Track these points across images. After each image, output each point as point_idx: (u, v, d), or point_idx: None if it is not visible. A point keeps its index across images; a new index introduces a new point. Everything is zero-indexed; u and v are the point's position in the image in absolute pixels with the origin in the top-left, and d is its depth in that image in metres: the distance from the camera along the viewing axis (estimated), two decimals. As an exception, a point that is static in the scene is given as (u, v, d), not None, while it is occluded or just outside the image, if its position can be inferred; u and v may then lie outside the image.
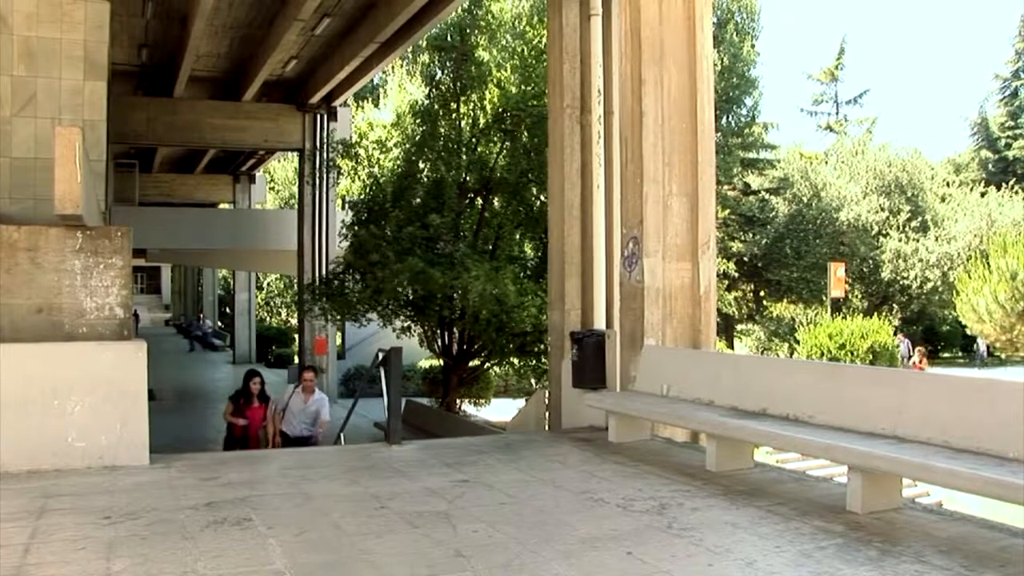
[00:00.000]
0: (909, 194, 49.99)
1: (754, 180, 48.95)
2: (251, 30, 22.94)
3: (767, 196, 48.57)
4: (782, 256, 47.13)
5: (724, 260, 42.93)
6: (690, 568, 5.34)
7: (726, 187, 44.84)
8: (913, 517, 6.43)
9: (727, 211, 44.84)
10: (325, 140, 27.91)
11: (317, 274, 27.28)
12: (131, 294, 8.73)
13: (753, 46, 45.01)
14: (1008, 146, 67.27)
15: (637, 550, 5.63)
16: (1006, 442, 5.85)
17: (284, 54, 23.76)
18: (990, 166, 66.35)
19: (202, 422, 23.21)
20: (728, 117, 45.02)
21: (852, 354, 32.96)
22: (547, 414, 13.69)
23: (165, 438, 13.51)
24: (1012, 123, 68.09)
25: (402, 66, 27.45)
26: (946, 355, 52.55)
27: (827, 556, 5.51)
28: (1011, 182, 56.50)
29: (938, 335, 52.03)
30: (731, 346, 47.59)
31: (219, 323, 55.54)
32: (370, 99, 34.68)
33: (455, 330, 22.37)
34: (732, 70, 43.43)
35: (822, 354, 33.11)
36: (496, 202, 22.18)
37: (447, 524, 6.24)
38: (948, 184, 54.90)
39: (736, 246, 46.84)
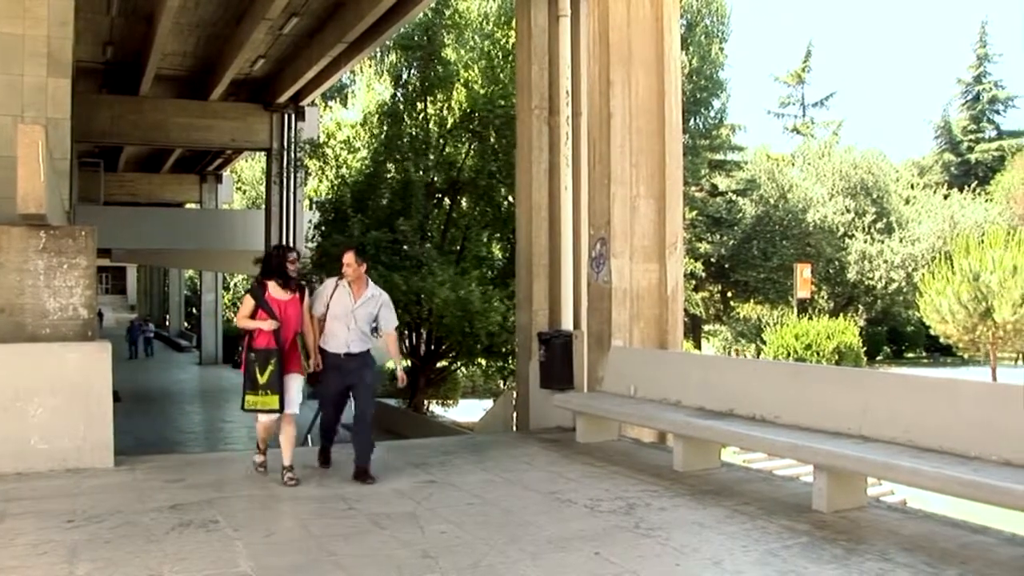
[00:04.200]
0: (874, 196, 50.47)
1: (721, 181, 49.20)
2: (218, 29, 22.78)
3: (734, 197, 48.82)
4: (749, 257, 47.39)
5: (691, 261, 43.10)
6: (657, 568, 5.36)
7: (694, 188, 45.02)
8: (878, 516, 6.48)
9: (694, 212, 45.05)
10: (293, 140, 27.78)
11: (285, 275, 27.13)
12: (95, 294, 8.64)
13: (722, 49, 45.21)
14: (970, 149, 68.20)
15: (604, 550, 5.64)
16: (969, 441, 5.91)
17: (252, 53, 23.61)
18: (953, 169, 67.16)
19: (168, 423, 23.01)
20: (696, 119, 45.20)
21: (818, 354, 33.20)
22: (515, 415, 13.70)
23: (130, 440, 13.41)
24: (974, 127, 69.05)
25: (370, 66, 27.36)
26: (910, 355, 53.02)
27: (793, 555, 5.54)
28: (973, 184, 57.31)
29: (902, 335, 52.50)
30: (698, 347, 47.81)
31: (185, 324, 55.06)
32: (338, 99, 34.53)
33: (422, 331, 22.33)
34: (700, 72, 43.62)
35: (788, 354, 33.33)
36: (464, 203, 22.17)
37: (414, 525, 6.22)
38: (912, 186, 55.51)
39: (703, 247, 47.05)
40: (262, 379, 7.41)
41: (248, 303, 7.68)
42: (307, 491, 7.39)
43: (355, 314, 7.88)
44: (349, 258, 7.95)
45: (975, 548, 5.67)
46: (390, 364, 30.44)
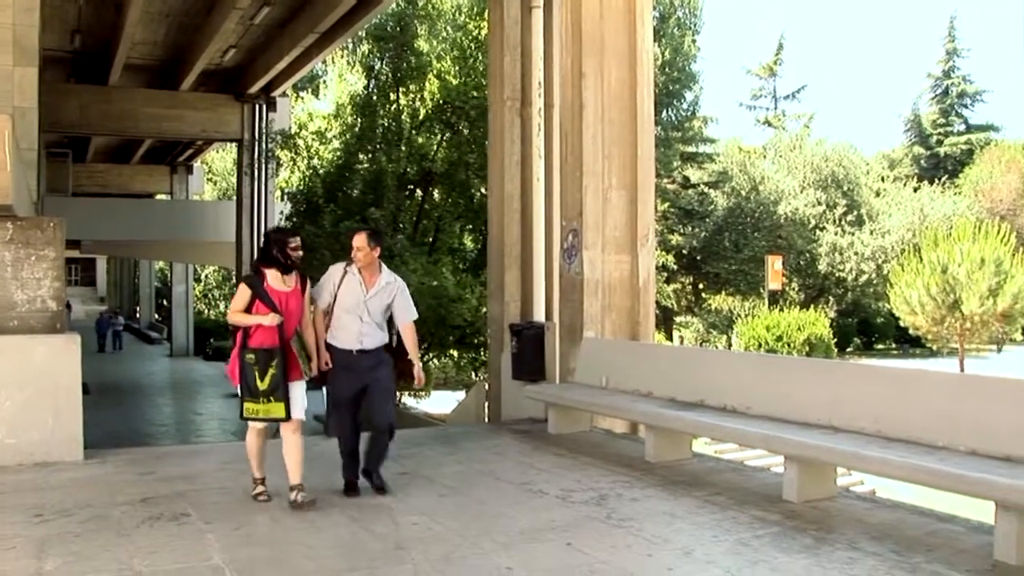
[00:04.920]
0: (845, 188, 50.82)
1: (693, 173, 49.30)
2: (188, 18, 22.60)
3: (706, 189, 48.97)
4: (721, 249, 47.57)
5: (663, 253, 43.20)
6: (629, 558, 5.38)
7: (666, 180, 45.09)
8: (847, 505, 6.53)
9: (666, 204, 45.13)
10: (264, 131, 27.63)
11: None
12: (64, 286, 8.55)
13: (694, 41, 45.22)
14: (940, 143, 68.84)
15: (576, 541, 5.65)
16: (936, 431, 5.96)
17: (222, 43, 23.44)
18: (922, 162, 67.75)
19: (139, 416, 22.88)
20: (668, 111, 45.22)
21: (789, 346, 33.43)
22: (487, 406, 13.69)
23: (100, 433, 13.31)
24: (943, 120, 69.73)
25: (342, 56, 27.24)
26: (880, 347, 53.42)
27: (764, 544, 5.58)
28: (943, 178, 57.79)
29: (872, 327, 52.89)
30: (670, 338, 47.95)
31: (156, 316, 54.69)
32: (310, 90, 34.37)
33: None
34: (673, 64, 43.63)
35: (760, 346, 33.52)
36: (436, 194, 22.15)
37: (387, 517, 6.22)
38: (883, 179, 55.98)
39: (675, 239, 47.17)
40: (263, 384, 6.31)
41: (243, 295, 6.51)
42: (278, 482, 7.32)
43: (368, 305, 6.86)
44: (360, 241, 6.88)
45: (942, 536, 5.73)
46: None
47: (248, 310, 6.46)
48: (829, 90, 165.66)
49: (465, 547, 5.55)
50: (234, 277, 33.39)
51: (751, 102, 70.25)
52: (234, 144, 31.72)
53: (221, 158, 54.48)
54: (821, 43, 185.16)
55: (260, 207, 28.73)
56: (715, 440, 13.56)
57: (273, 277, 6.50)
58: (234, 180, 36.18)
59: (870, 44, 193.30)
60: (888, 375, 7.28)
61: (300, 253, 6.60)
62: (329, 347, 6.86)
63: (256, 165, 27.53)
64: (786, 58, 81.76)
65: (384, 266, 7.06)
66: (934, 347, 42.74)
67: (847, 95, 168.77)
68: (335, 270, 6.97)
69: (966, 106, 70.86)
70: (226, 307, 52.09)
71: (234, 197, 34.16)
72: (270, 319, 6.34)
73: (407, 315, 7.07)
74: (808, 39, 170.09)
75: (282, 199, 28.49)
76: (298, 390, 6.53)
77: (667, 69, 42.64)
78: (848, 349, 48.68)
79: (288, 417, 6.44)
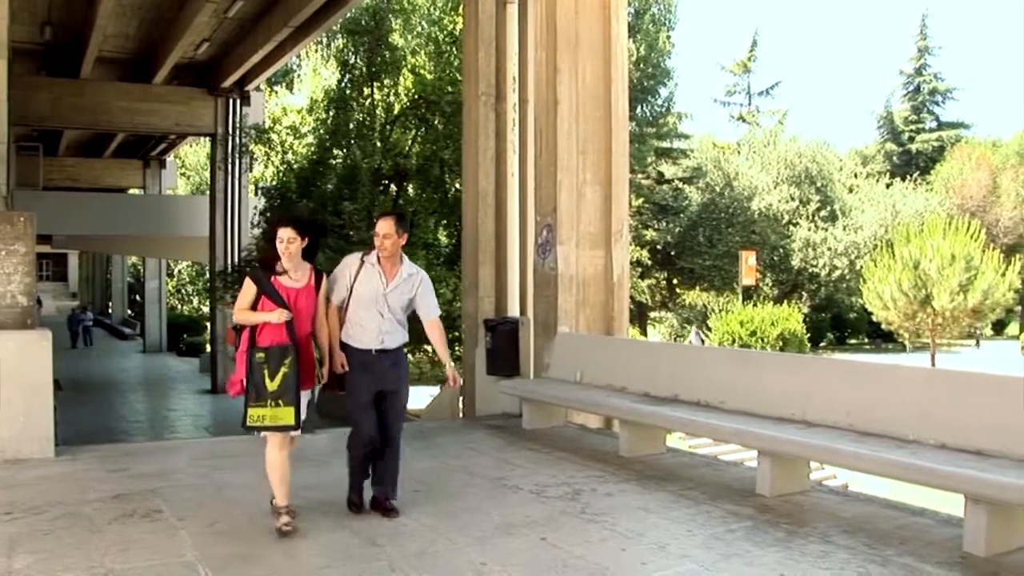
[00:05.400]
0: (818, 184, 51.15)
1: (668, 169, 49.47)
2: (161, 11, 22.40)
3: (680, 185, 49.15)
4: (695, 244, 47.77)
5: (638, 248, 43.31)
6: (603, 553, 5.39)
7: (640, 176, 45.23)
8: (820, 499, 6.57)
9: (641, 200, 45.26)
10: (238, 125, 27.46)
11: (229, 261, 26.85)
12: (35, 281, 8.48)
13: (669, 37, 45.38)
14: (911, 139, 69.44)
15: (551, 536, 5.66)
16: (906, 425, 6.01)
17: (196, 36, 23.27)
18: (895, 158, 68.31)
19: (111, 412, 22.73)
20: (643, 106, 45.39)
21: (763, 341, 33.58)
22: (461, 401, 13.67)
23: (71, 430, 13.23)
24: (915, 117, 70.34)
25: (316, 51, 27.11)
26: (853, 341, 53.79)
27: (737, 538, 5.61)
28: (914, 174, 58.31)
29: (845, 322, 53.25)
30: (644, 333, 48.14)
31: (128, 311, 54.36)
32: (284, 84, 34.22)
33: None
34: (647, 60, 43.78)
35: (733, 341, 33.66)
36: (411, 189, 22.11)
37: (362, 513, 6.19)
38: (855, 175, 56.41)
39: (650, 234, 47.33)
40: (272, 384, 5.59)
41: (247, 290, 5.84)
42: (253, 480, 7.27)
43: (388, 299, 6.16)
44: (387, 226, 6.09)
45: (913, 529, 5.78)
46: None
47: (254, 307, 5.79)
48: (803, 87, 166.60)
49: (440, 543, 5.55)
50: (208, 272, 33.03)
51: (725, 98, 70.63)
52: (208, 138, 31.48)
53: (194, 152, 54.18)
54: (795, 40, 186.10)
55: (234, 202, 28.55)
56: (689, 435, 13.62)
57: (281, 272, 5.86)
58: (207, 175, 35.95)
59: (844, 41, 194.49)
60: (860, 370, 7.32)
61: (292, 247, 5.77)
62: (344, 347, 6.13)
63: (230, 160, 27.35)
64: (760, 55, 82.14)
65: (405, 256, 6.33)
66: (906, 343, 43.08)
67: (821, 92, 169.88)
68: (351, 261, 6.26)
69: (937, 103, 71.56)
70: (200, 302, 51.50)
71: (207, 192, 33.98)
72: (277, 315, 5.66)
73: (432, 311, 6.38)
74: (782, 36, 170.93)
75: (256, 194, 28.35)
76: (304, 399, 5.81)
77: (642, 65, 42.79)
78: (821, 344, 49.05)
79: (298, 425, 5.67)
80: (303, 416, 5.77)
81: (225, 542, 5.59)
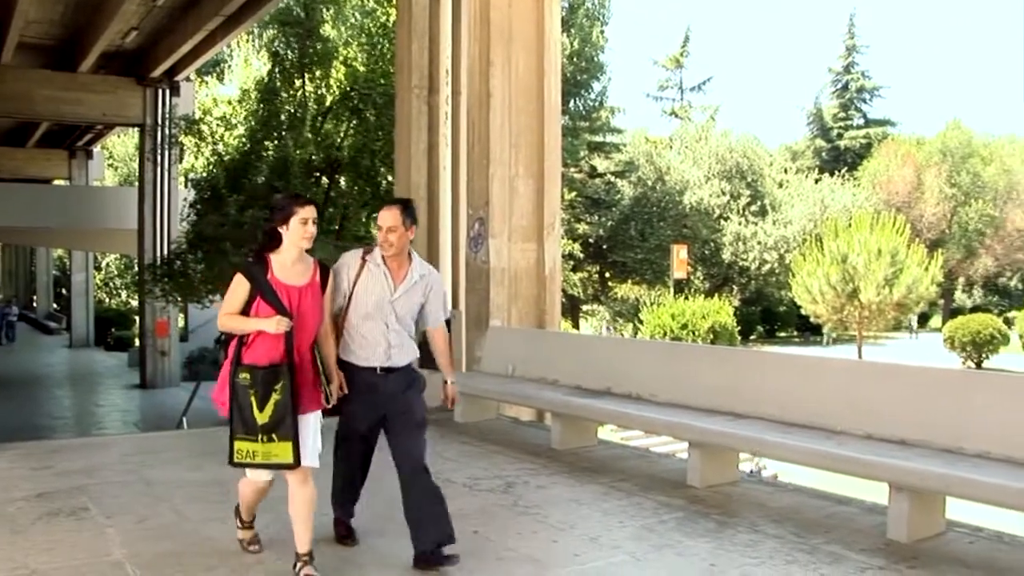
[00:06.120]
0: (749, 179, 51.85)
1: (600, 163, 49.73)
2: (87, -3, 21.99)
3: (613, 179, 49.44)
4: (627, 238, 48.10)
5: (570, 241, 43.50)
6: (535, 545, 5.40)
7: (573, 170, 45.41)
8: (749, 489, 6.66)
9: (573, 193, 45.45)
10: (167, 115, 27.03)
11: (159, 254, 26.45)
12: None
13: (602, 32, 45.59)
14: (840, 136, 70.72)
15: (483, 528, 5.66)
16: (833, 416, 6.11)
17: (123, 24, 22.81)
18: (824, 154, 69.55)
19: (36, 409, 22.25)
20: (576, 101, 45.55)
21: (694, 333, 33.93)
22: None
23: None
24: (844, 114, 71.64)
25: (248, 41, 26.78)
26: (782, 334, 54.56)
27: (668, 529, 5.65)
28: (843, 170, 59.39)
29: (775, 315, 54.01)
30: (576, 326, 48.37)
31: (54, 305, 53.34)
32: (215, 74, 33.76)
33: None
34: (581, 54, 43.94)
35: (665, 334, 33.94)
36: (343, 182, 21.95)
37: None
38: (785, 171, 57.33)
39: (582, 228, 47.56)
40: (262, 415, 4.58)
41: (238, 289, 4.73)
42: (183, 475, 7.20)
43: (395, 307, 5.14)
44: (391, 217, 5.08)
45: (839, 518, 5.89)
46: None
47: (246, 311, 4.70)
48: (734, 83, 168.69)
49: (372, 536, 5.51)
50: (136, 265, 32.38)
51: (658, 93, 71.12)
52: (136, 129, 30.94)
53: (122, 143, 53.22)
54: (727, 37, 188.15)
55: (163, 194, 28.10)
56: (621, 427, 13.71)
57: (281, 266, 4.74)
58: (136, 166, 35.33)
59: (774, 39, 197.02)
60: (789, 362, 7.45)
61: (311, 232, 4.75)
62: (343, 365, 5.11)
63: (159, 151, 26.89)
64: (692, 50, 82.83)
65: (415, 254, 5.33)
66: (829, 334, 43.81)
67: (752, 88, 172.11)
68: (349, 260, 5.23)
69: (865, 101, 72.93)
70: (128, 296, 50.58)
71: (136, 183, 33.43)
72: (276, 324, 4.56)
73: (439, 318, 5.41)
74: (714, 32, 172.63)
75: (186, 186, 27.93)
76: (312, 425, 4.84)
77: (575, 59, 42.94)
78: (751, 337, 49.68)
79: (297, 463, 4.65)
80: (316, 447, 4.84)
81: (154, 539, 5.49)
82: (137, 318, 34.50)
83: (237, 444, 4.66)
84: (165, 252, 25.43)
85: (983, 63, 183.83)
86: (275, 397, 4.58)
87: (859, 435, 5.89)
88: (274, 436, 4.61)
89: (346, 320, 5.12)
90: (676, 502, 6.25)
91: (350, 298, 5.11)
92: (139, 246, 28.47)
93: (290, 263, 4.75)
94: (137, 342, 32.23)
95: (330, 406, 4.98)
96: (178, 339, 29.61)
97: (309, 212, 4.71)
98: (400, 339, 5.16)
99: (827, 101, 73.39)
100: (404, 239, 5.09)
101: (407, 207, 5.19)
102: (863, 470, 5.49)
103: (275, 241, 4.75)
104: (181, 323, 32.62)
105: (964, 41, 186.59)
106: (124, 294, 55.75)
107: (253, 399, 4.57)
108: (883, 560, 5.08)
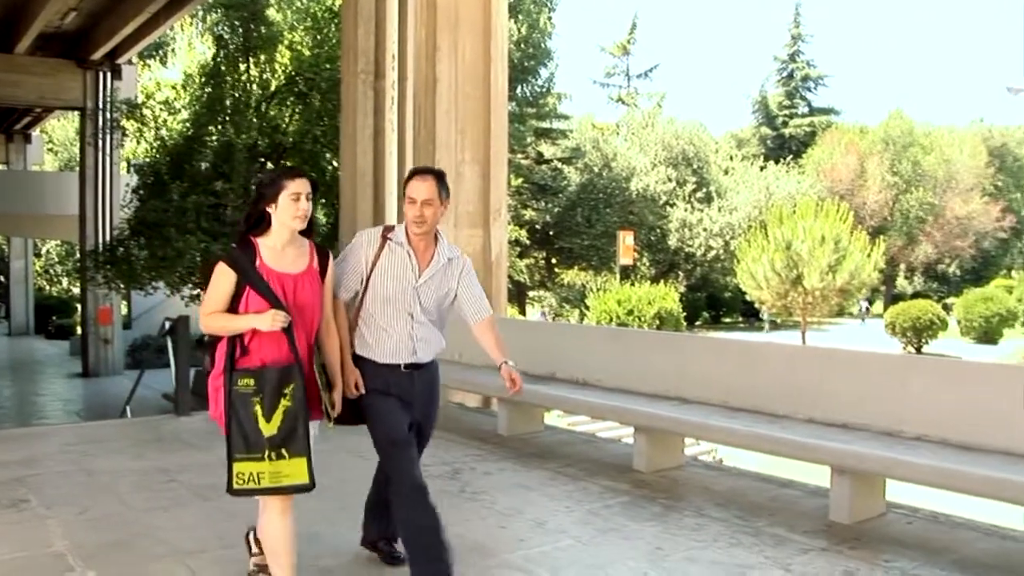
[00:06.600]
0: (695, 166, 52.19)
1: (547, 149, 49.75)
2: (22, -23, 21.53)
3: (560, 165, 49.48)
4: (573, 224, 48.20)
5: (516, 227, 43.49)
6: (482, 531, 5.42)
7: (519, 156, 45.39)
8: (694, 474, 6.73)
9: (520, 179, 45.43)
10: (109, 99, 26.59)
11: (100, 240, 26.04)
12: None
13: (550, 18, 45.59)
14: (785, 124, 71.41)
15: (430, 515, 5.66)
16: (777, 401, 6.19)
17: (61, 4, 22.32)
18: (769, 142, 70.18)
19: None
20: (523, 87, 45.51)
21: (640, 319, 34.13)
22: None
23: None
24: (789, 103, 72.33)
25: (191, 24, 26.41)
26: (727, 320, 55.07)
27: (614, 514, 5.70)
28: (787, 158, 60.05)
29: (720, 301, 54.48)
30: (523, 312, 48.43)
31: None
32: (157, 58, 33.26)
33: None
34: (528, 40, 43.90)
35: (611, 319, 34.10)
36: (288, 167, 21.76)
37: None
38: (731, 158, 57.79)
39: (528, 214, 47.57)
40: (269, 426, 3.81)
41: (222, 281, 3.93)
42: (126, 464, 7.12)
43: (420, 294, 4.42)
44: (427, 189, 4.32)
45: (782, 500, 5.97)
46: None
47: (234, 306, 3.93)
48: (681, 70, 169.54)
49: (321, 524, 5.49)
50: (78, 252, 31.88)
51: (605, 80, 71.09)
52: (77, 112, 30.41)
53: (62, 127, 52.33)
54: (674, 24, 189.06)
55: (105, 179, 27.66)
56: (567, 412, 13.77)
57: (271, 251, 3.99)
58: (77, 150, 34.75)
59: (721, 27, 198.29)
60: (734, 348, 7.53)
61: (307, 208, 4.01)
62: (359, 361, 4.40)
63: (100, 135, 26.46)
64: (640, 37, 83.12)
65: (442, 233, 4.56)
66: (767, 320, 44.31)
67: (698, 76, 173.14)
68: (367, 239, 4.47)
69: (809, 89, 73.62)
70: (70, 283, 49.86)
71: (77, 168, 32.88)
72: (271, 319, 3.82)
73: (482, 307, 4.68)
74: (662, 19, 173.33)
75: (128, 171, 27.52)
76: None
77: (522, 45, 42.90)
78: (697, 323, 50.09)
79: (312, 483, 3.91)
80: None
81: (96, 530, 5.42)
82: (79, 305, 33.99)
83: (237, 467, 3.82)
84: (107, 238, 25.07)
85: (924, 54, 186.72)
86: (284, 404, 3.82)
87: (802, 419, 5.97)
88: (284, 451, 3.82)
89: (362, 309, 4.42)
90: (622, 487, 6.30)
91: (367, 283, 4.39)
92: (80, 232, 28.03)
93: (281, 247, 4.00)
94: (79, 330, 31.77)
95: (331, 420, 4.26)
96: (121, 327, 29.24)
97: (301, 186, 3.96)
98: (426, 331, 4.46)
99: (772, 89, 74.01)
100: (438, 216, 4.38)
101: (442, 178, 4.43)
102: (806, 453, 5.58)
103: (263, 223, 4.02)
104: (124, 310, 32.22)
105: (906, 32, 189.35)
106: (65, 281, 54.85)
107: (258, 408, 3.79)
108: (825, 541, 5.16)
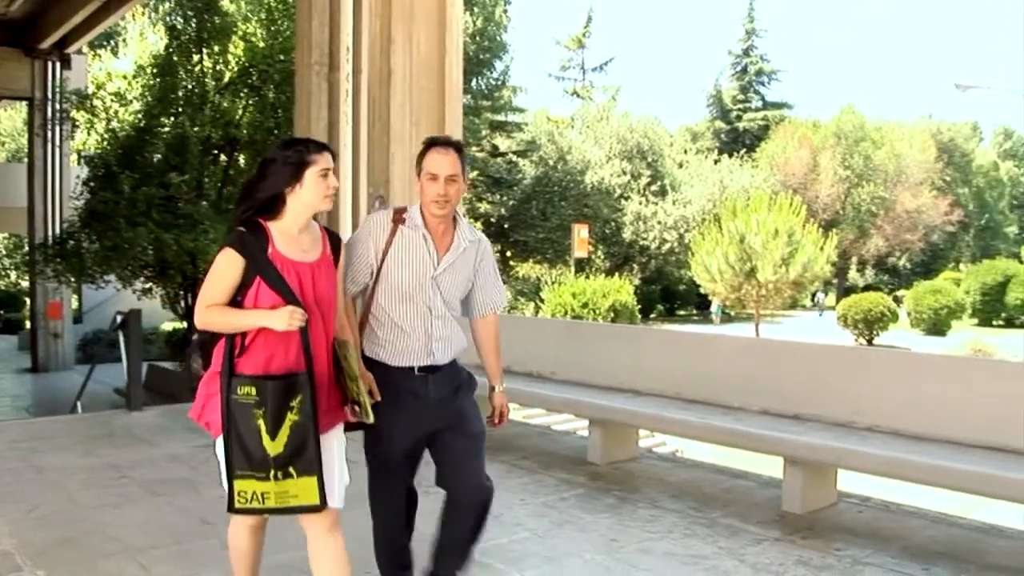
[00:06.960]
0: (649, 159, 52.38)
1: (502, 142, 49.75)
2: (-34, -38, 21.13)
3: (514, 158, 49.48)
4: (528, 217, 48.22)
5: (471, 220, 43.06)
6: (437, 524, 5.41)
7: (474, 149, 45.33)
8: (649, 466, 6.77)
9: (475, 172, 45.37)
10: (58, 89, 26.21)
11: (50, 233, 25.68)
12: None
13: (505, 11, 45.58)
14: (739, 118, 71.95)
15: (385, 508, 5.64)
16: (731, 393, 6.24)
17: (8, -9, 22.03)
18: (723, 136, 70.68)
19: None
20: (478, 79, 45.47)
21: (594, 312, 34.17)
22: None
23: None
24: (743, 97, 72.90)
25: (143, 13, 26.08)
26: (682, 313, 55.40)
27: (569, 506, 5.72)
28: (741, 151, 60.45)
29: (675, 294, 54.78)
30: (480, 306, 48.29)
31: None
32: (109, 47, 32.84)
33: (195, 293, 21.72)
34: (484, 33, 43.86)
35: (566, 312, 34.15)
36: (242, 159, 21.58)
37: (191, 490, 6.05)
38: (685, 151, 58.10)
39: (484, 207, 47.55)
40: (275, 444, 3.32)
41: (229, 270, 3.37)
42: (75, 460, 7.03)
43: (439, 284, 3.85)
44: (449, 164, 3.75)
45: (737, 492, 6.03)
46: (167, 326, 29.40)
47: (238, 300, 3.38)
48: (636, 64, 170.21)
49: (273, 520, 5.45)
50: (26, 245, 31.37)
51: (560, 73, 71.11)
52: (24, 103, 29.94)
53: (10, 117, 51.53)
54: (629, 18, 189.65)
55: (54, 171, 27.27)
56: (522, 405, 13.76)
57: (285, 237, 3.43)
58: (25, 141, 34.22)
59: (676, 21, 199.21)
60: (687, 340, 7.57)
61: (333, 188, 3.54)
62: (368, 364, 3.82)
63: (49, 126, 26.08)
64: (595, 31, 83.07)
65: (461, 214, 3.99)
66: (716, 312, 44.64)
67: (653, 69, 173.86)
68: (378, 221, 3.93)
69: (763, 84, 74.24)
70: (18, 277, 49.44)
71: (25, 160, 32.39)
72: (288, 316, 3.27)
73: (495, 300, 4.09)
74: (617, 13, 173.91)
75: (79, 163, 27.15)
76: (335, 449, 3.66)
77: (478, 38, 42.85)
78: (651, 315, 50.28)
79: (324, 504, 3.54)
80: (343, 478, 3.73)
81: (45, 527, 5.35)
82: (28, 299, 33.50)
83: (239, 484, 3.37)
84: (57, 231, 24.73)
85: (875, 50, 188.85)
86: (291, 418, 3.31)
87: (755, 411, 6.03)
88: (292, 470, 3.37)
89: (372, 303, 3.85)
90: (577, 479, 6.33)
91: (378, 274, 3.83)
92: (29, 225, 27.60)
93: (297, 231, 3.46)
94: (28, 324, 31.32)
95: (371, 420, 3.58)
96: (72, 321, 28.88)
97: (328, 160, 3.47)
98: (445, 329, 3.88)
99: (727, 83, 74.50)
100: (460, 194, 3.82)
101: (462, 151, 3.84)
102: (759, 445, 5.64)
103: (277, 203, 3.42)
104: (75, 304, 31.82)
105: (858, 28, 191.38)
106: (13, 275, 54.02)
107: (261, 422, 3.28)
108: (779, 531, 5.22)
